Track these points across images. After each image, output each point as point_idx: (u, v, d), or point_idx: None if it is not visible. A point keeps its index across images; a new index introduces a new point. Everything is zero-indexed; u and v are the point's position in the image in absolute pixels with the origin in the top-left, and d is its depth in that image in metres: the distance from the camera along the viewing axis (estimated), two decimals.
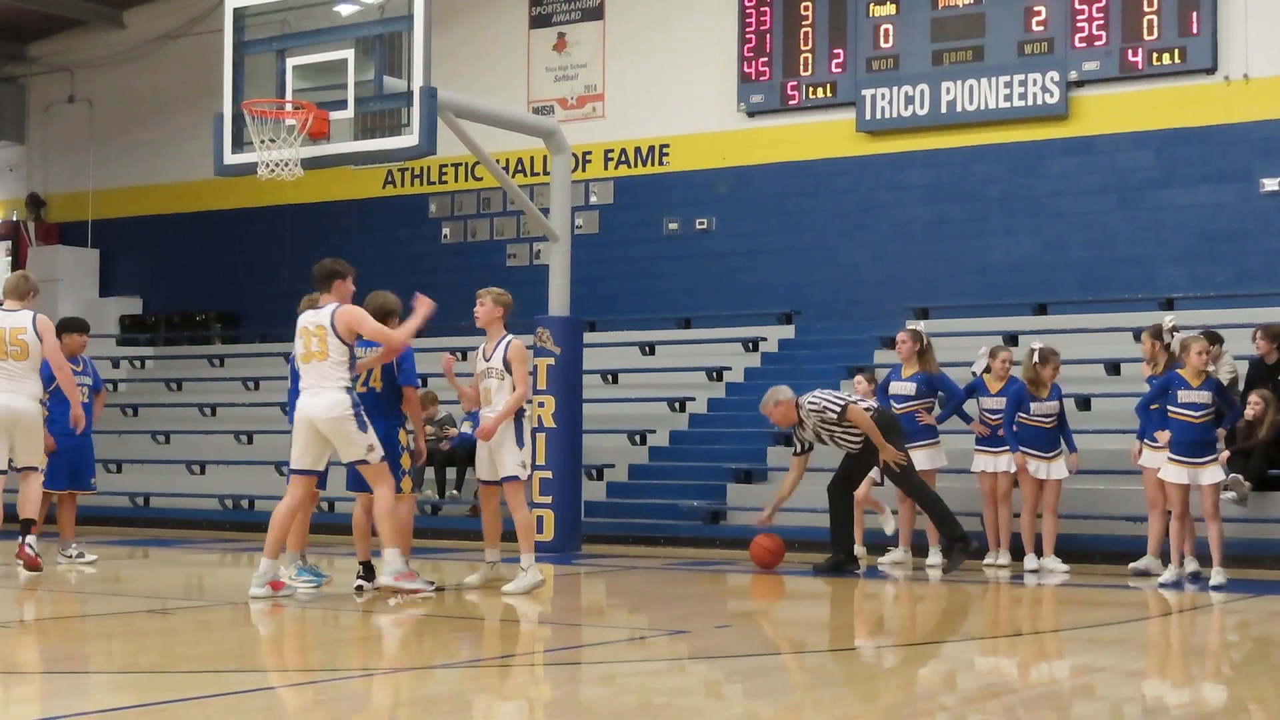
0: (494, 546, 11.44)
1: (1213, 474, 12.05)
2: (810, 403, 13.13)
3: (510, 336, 11.24)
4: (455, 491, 17.39)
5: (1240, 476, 13.38)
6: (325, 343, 10.51)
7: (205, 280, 24.56)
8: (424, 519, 17.05)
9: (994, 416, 13.62)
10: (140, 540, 17.00)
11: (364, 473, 10.67)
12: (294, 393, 11.16)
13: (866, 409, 13.10)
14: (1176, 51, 17.78)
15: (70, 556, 13.62)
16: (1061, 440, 13.43)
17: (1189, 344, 12.17)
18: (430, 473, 17.39)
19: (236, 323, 24.37)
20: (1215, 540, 12.04)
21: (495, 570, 11.40)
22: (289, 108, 14.62)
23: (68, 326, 14.06)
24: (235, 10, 15.21)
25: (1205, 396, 12.04)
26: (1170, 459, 12.08)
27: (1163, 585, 11.97)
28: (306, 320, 10.67)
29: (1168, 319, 12.88)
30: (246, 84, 15.07)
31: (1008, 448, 13.44)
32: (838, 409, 13.01)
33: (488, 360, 11.20)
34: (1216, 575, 11.90)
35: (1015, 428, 13.36)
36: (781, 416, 13.28)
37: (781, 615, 11.42)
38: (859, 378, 14.69)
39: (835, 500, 13.36)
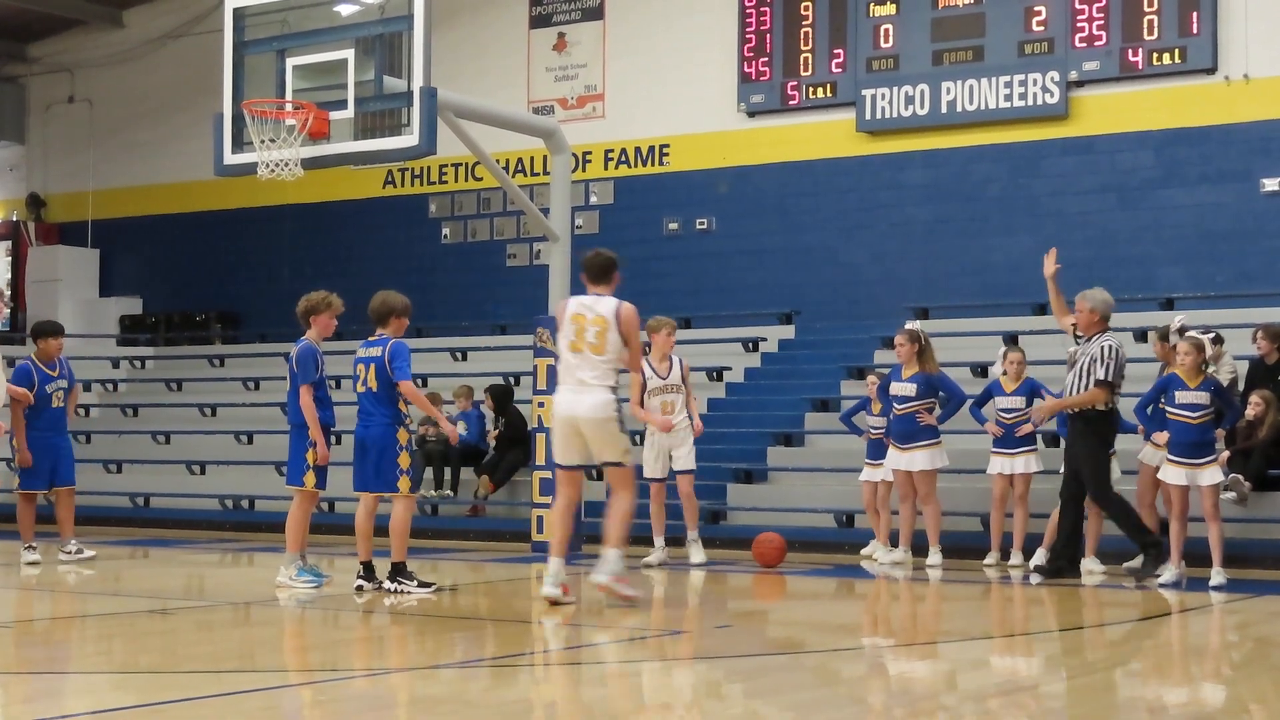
0: (662, 534, 13.72)
1: (1211, 475, 12.04)
2: (1107, 345, 12.28)
3: (680, 356, 13.54)
4: (450, 492, 17.37)
5: (1240, 477, 13.37)
6: (605, 337, 10.08)
7: (205, 280, 24.55)
8: (424, 519, 17.05)
9: (1008, 416, 13.64)
10: (140, 540, 17.00)
11: (613, 475, 10.48)
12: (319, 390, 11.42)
13: (1109, 408, 12.39)
14: (1176, 51, 17.78)
15: (70, 554, 13.64)
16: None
17: (1177, 345, 12.15)
18: (428, 472, 17.38)
19: (236, 323, 24.36)
20: (1215, 541, 12.02)
21: (665, 552, 13.65)
22: (289, 108, 14.62)
23: (42, 331, 14.09)
24: (235, 10, 15.21)
25: (1203, 397, 12.02)
26: (1169, 460, 12.07)
27: (1162, 585, 11.97)
28: (582, 307, 10.16)
29: (1176, 319, 12.77)
30: (246, 84, 15.08)
31: (1025, 449, 13.48)
32: (1100, 375, 12.19)
33: (664, 378, 13.39)
34: (1216, 575, 11.88)
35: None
36: (1085, 320, 12.47)
37: (781, 615, 11.42)
38: (870, 378, 14.72)
39: (1067, 504, 12.62)
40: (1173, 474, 12.01)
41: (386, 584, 11.02)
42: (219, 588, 13.14)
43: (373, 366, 11.14)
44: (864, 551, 14.53)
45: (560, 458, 10.44)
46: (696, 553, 13.71)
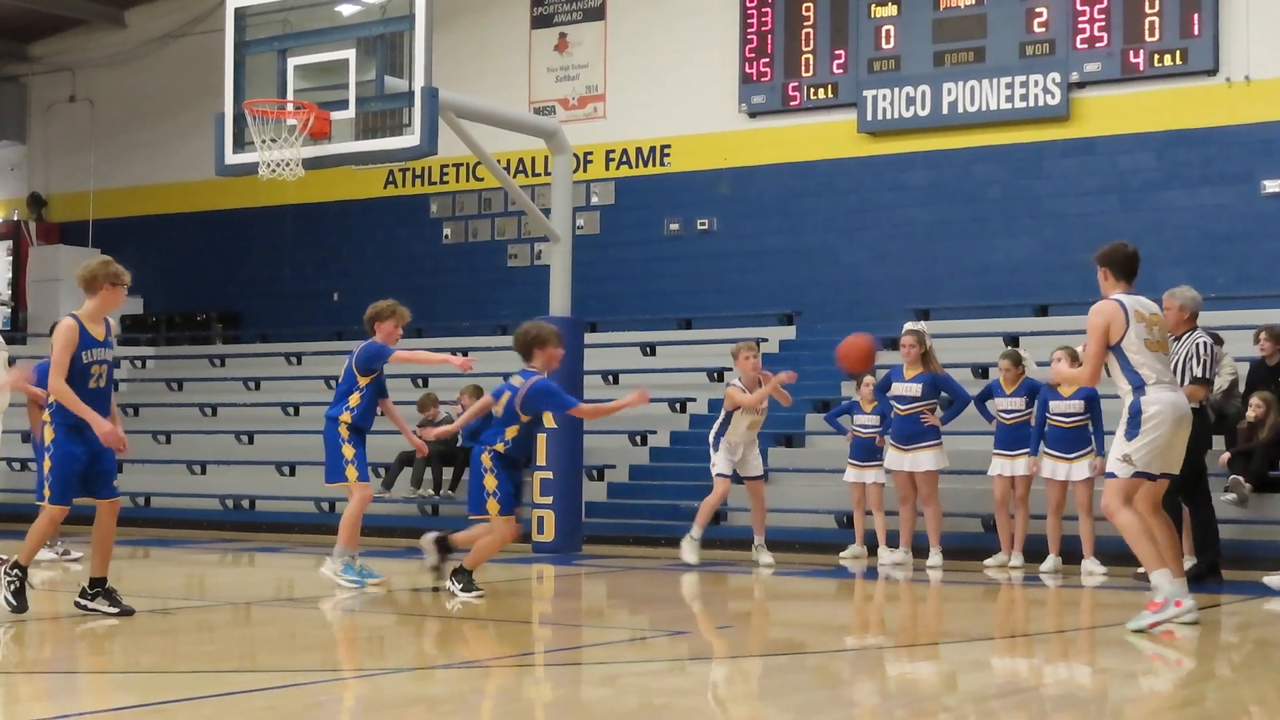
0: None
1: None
2: (1201, 342, 11.96)
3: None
4: (450, 492, 17.37)
5: (1240, 478, 13.38)
6: (1166, 335, 9.54)
7: (206, 280, 24.57)
8: (423, 519, 17.05)
9: (1008, 417, 13.64)
10: (141, 540, 16.99)
11: (1166, 488, 9.56)
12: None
13: (1203, 405, 11.99)
14: (1178, 53, 17.79)
15: (58, 554, 13.61)
16: (1093, 440, 13.27)
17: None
18: (427, 473, 17.37)
19: (237, 323, 24.37)
20: None
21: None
22: (290, 108, 14.63)
23: None
24: (236, 10, 15.22)
25: None
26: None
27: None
28: (1140, 305, 9.35)
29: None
30: (248, 84, 15.08)
31: (1026, 450, 13.43)
32: (1198, 373, 11.89)
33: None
34: None
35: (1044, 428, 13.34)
36: (1175, 318, 11.92)
37: (782, 616, 11.42)
38: (867, 378, 14.71)
39: (1189, 501, 12.23)
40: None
41: (449, 585, 10.81)
42: (220, 587, 13.13)
43: (505, 396, 10.72)
44: (843, 555, 14.57)
45: (1165, 463, 9.32)
46: (765, 556, 13.83)
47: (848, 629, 10.51)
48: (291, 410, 20.45)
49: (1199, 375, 12.12)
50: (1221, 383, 14.05)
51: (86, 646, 8.87)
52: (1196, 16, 17.65)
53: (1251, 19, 17.55)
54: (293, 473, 18.95)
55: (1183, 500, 12.36)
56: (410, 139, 14.37)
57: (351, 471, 11.25)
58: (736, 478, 13.98)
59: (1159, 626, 9.08)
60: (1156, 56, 17.89)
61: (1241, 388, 14.17)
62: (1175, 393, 9.41)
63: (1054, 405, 13.29)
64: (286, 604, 11.36)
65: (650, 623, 10.49)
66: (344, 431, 11.26)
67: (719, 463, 13.88)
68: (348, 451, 11.25)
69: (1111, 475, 9.30)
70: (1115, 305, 9.36)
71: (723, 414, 13.98)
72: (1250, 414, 13.48)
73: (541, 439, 15.57)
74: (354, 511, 11.29)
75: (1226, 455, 13.56)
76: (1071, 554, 13.30)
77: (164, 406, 22.05)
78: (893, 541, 14.14)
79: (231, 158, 15.19)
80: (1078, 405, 13.22)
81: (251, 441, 20.13)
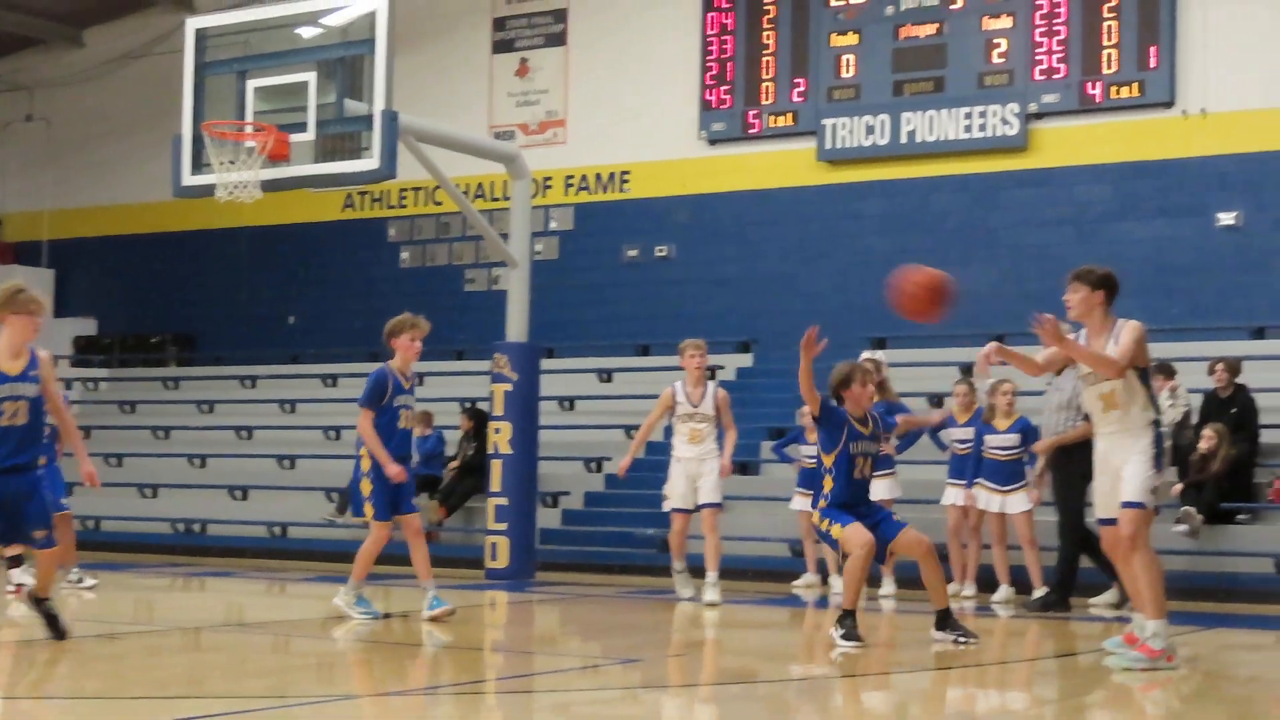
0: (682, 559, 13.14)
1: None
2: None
3: (716, 383, 13.04)
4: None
5: (1192, 510, 13.44)
6: None
7: (161, 302, 24.43)
8: (395, 544, 16.92)
9: (962, 446, 13.67)
10: (90, 564, 16.80)
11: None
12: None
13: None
14: (1135, 85, 17.92)
15: (71, 582, 13.36)
16: (1028, 473, 13.33)
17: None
18: None
19: (192, 345, 24.23)
20: None
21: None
22: (249, 129, 14.57)
23: None
24: (197, 31, 15.18)
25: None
26: None
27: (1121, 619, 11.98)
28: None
29: None
30: (207, 105, 15.04)
31: (978, 480, 13.42)
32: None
33: (696, 405, 12.70)
34: None
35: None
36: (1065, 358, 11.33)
37: (734, 644, 11.39)
38: (805, 409, 14.72)
39: (1065, 535, 12.43)
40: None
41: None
42: (169, 612, 13.02)
43: None
44: (795, 583, 14.55)
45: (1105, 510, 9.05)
46: (712, 592, 12.61)
47: (799, 658, 10.49)
48: (245, 434, 20.33)
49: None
50: (1175, 414, 14.13)
51: (31, 672, 8.77)
52: (1154, 49, 17.80)
53: (1209, 52, 17.70)
54: (245, 496, 18.84)
55: (1059, 535, 12.55)
56: (369, 162, 14.35)
57: (368, 509, 10.88)
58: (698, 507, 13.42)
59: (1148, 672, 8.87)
60: (1114, 88, 18.02)
61: (1194, 419, 14.24)
62: None
63: (989, 439, 13.35)
64: (236, 629, 11.27)
65: (603, 651, 10.44)
66: (365, 465, 10.85)
67: (672, 495, 12.93)
68: (364, 488, 10.85)
69: (1140, 506, 8.76)
70: (1144, 328, 9.03)
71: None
72: (1202, 445, 13.56)
73: (496, 465, 15.51)
74: (367, 549, 10.93)
75: (1179, 486, 13.62)
76: (1024, 585, 13.29)
77: (116, 429, 21.88)
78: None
79: (189, 179, 15.13)
80: (1013, 439, 13.27)
81: (204, 465, 20.00)
